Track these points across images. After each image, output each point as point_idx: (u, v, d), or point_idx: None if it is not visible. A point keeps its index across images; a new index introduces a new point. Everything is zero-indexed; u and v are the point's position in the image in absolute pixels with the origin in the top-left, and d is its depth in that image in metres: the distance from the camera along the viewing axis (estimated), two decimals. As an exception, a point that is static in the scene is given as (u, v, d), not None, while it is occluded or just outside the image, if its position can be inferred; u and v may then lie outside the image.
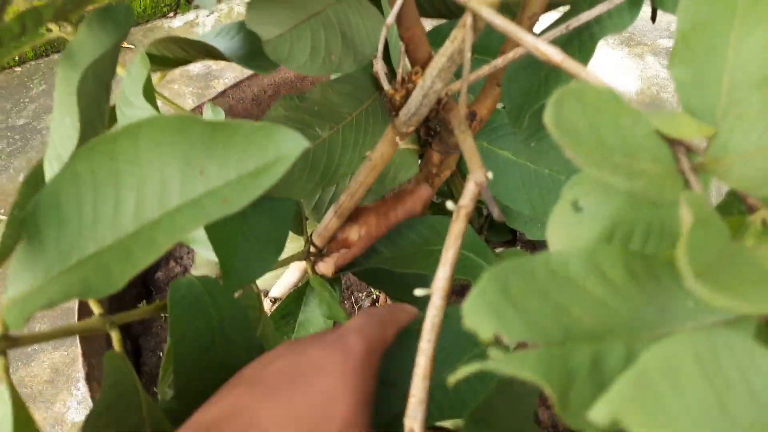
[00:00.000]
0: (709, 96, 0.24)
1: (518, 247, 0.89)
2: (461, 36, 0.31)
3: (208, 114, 0.70)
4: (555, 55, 0.25)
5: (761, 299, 0.16)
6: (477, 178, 0.29)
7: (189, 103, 1.46)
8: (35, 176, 0.37)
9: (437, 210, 0.61)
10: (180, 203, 0.24)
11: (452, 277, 0.25)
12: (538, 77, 0.42)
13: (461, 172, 0.53)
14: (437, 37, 0.50)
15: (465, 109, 0.33)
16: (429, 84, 0.34)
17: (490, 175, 0.29)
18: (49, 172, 0.35)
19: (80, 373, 0.98)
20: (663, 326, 0.20)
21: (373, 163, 0.40)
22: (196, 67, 1.55)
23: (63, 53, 0.33)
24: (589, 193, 0.23)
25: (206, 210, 0.23)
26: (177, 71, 1.52)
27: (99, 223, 0.25)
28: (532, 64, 0.43)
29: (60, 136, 0.32)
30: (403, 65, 0.37)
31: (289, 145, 0.23)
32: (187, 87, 1.51)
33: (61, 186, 0.25)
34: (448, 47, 0.32)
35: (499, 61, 0.33)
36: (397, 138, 0.38)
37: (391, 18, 0.33)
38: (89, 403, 0.97)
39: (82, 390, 0.99)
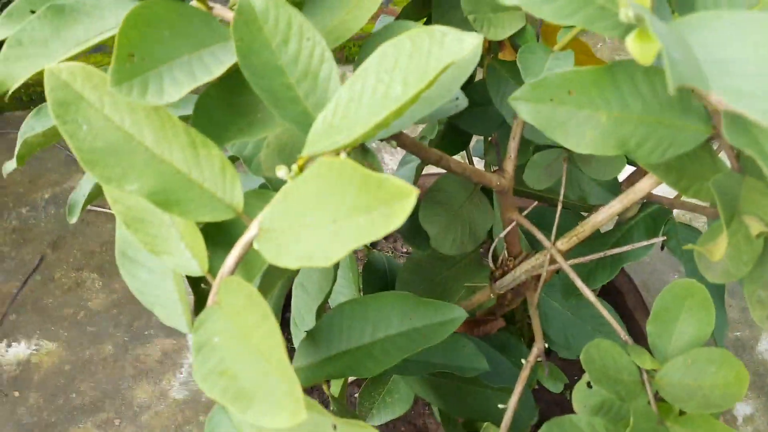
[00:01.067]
0: (663, 346, 0.48)
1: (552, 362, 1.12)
2: (539, 263, 0.56)
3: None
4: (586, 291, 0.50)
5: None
6: (539, 345, 0.54)
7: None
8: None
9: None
10: (396, 333, 0.49)
11: (516, 407, 0.50)
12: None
13: (524, 308, 0.77)
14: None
15: (536, 299, 0.57)
16: (518, 275, 0.59)
17: (546, 345, 0.54)
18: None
19: (186, 359, 1.24)
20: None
21: (472, 303, 0.65)
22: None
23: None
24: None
25: (412, 340, 0.48)
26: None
27: (351, 339, 0.50)
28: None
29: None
30: (503, 255, 0.62)
31: (454, 311, 0.48)
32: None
33: (332, 320, 0.50)
34: (532, 262, 0.57)
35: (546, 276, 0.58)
36: (492, 294, 0.63)
37: (497, 240, 0.58)
38: (189, 386, 1.23)
39: (185, 374, 1.25)
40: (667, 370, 0.47)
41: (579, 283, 0.54)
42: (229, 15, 0.39)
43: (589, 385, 0.48)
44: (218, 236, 0.37)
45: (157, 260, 0.39)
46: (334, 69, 0.37)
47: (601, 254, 0.58)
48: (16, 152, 0.49)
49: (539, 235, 0.54)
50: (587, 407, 0.47)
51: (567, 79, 0.33)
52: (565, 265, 0.53)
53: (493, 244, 0.59)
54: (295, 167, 0.34)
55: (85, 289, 1.38)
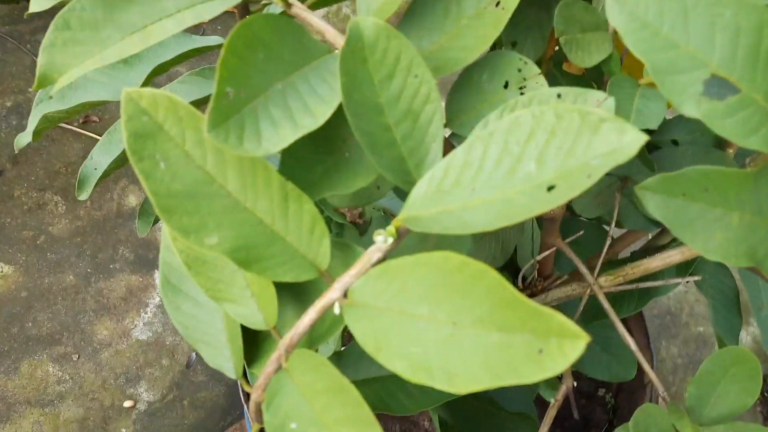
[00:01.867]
0: (701, 410, 0.46)
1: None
2: (576, 294, 0.54)
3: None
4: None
5: None
6: (568, 383, 0.52)
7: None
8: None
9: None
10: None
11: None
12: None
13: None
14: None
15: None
16: (549, 300, 0.57)
17: (574, 383, 0.52)
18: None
19: (152, 299, 1.20)
20: None
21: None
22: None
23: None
24: None
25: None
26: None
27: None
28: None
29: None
30: (533, 275, 0.59)
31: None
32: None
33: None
34: (568, 292, 0.55)
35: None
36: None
37: (532, 261, 0.55)
38: (154, 327, 1.19)
39: (149, 314, 1.21)
40: (705, 437, 0.46)
41: (612, 315, 0.52)
42: (309, 17, 0.34)
43: (623, 437, 0.47)
44: (286, 286, 0.33)
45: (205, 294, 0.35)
46: (439, 112, 0.32)
47: (633, 286, 0.56)
48: (33, 127, 0.43)
49: (582, 269, 0.52)
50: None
51: (705, 176, 0.30)
52: (606, 304, 0.51)
53: (527, 265, 0.57)
54: (391, 231, 0.30)
55: (47, 212, 1.30)
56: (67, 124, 1.41)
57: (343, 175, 0.32)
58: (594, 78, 0.55)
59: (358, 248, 0.32)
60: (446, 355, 0.25)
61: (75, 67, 0.32)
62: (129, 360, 1.16)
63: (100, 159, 0.51)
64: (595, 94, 0.32)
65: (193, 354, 1.18)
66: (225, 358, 0.34)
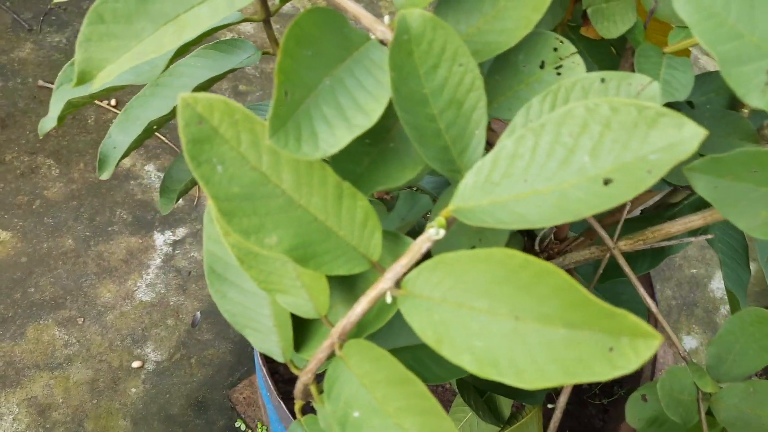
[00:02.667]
0: (720, 368, 0.48)
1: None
2: (594, 256, 0.55)
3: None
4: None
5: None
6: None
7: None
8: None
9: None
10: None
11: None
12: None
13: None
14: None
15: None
16: (567, 263, 0.58)
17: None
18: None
19: (153, 260, 1.20)
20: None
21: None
22: None
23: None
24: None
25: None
26: None
27: (412, 333, 0.48)
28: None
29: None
30: (550, 238, 0.60)
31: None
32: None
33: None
34: (587, 255, 0.56)
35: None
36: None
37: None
38: (157, 288, 1.20)
39: (152, 275, 1.21)
40: (724, 394, 0.47)
41: (633, 279, 0.53)
42: (344, 2, 0.33)
43: (643, 398, 0.48)
44: (336, 276, 0.33)
45: (251, 282, 0.35)
46: (482, 100, 0.32)
47: (649, 245, 0.57)
48: (58, 113, 0.43)
49: (602, 233, 0.52)
50: (641, 420, 0.48)
51: (754, 157, 0.30)
52: (627, 268, 0.52)
53: (545, 228, 0.57)
54: (440, 221, 0.30)
55: (41, 176, 1.29)
56: (51, 83, 1.38)
57: (391, 167, 0.32)
58: (612, 42, 0.55)
59: (406, 239, 0.32)
60: (511, 350, 0.26)
61: (112, 63, 0.32)
62: (134, 321, 1.17)
63: (118, 137, 0.50)
64: (639, 78, 0.32)
65: (198, 313, 1.19)
66: (273, 343, 0.35)
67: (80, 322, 1.16)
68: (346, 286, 0.34)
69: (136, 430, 1.08)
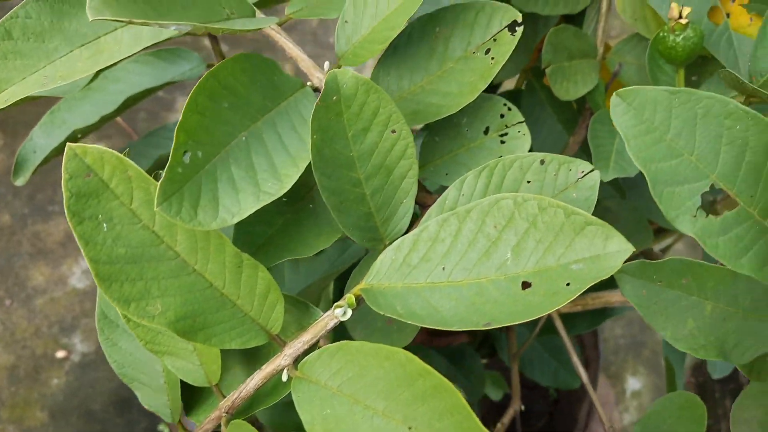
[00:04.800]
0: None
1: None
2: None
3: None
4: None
5: None
6: (515, 407, 0.52)
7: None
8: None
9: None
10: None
11: None
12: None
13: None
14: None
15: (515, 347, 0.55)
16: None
17: (522, 407, 0.52)
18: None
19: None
20: None
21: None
22: None
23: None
24: None
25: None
26: None
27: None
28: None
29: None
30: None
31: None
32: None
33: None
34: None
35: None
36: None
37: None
38: (92, 276, 1.15)
39: (88, 264, 1.16)
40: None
41: (562, 331, 0.52)
42: (283, 41, 0.31)
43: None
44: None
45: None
46: (414, 167, 0.30)
47: (588, 308, 0.56)
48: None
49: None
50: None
51: (689, 267, 0.28)
52: (563, 332, 0.51)
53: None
54: (351, 299, 0.28)
55: (-17, 145, 1.23)
56: None
57: (306, 232, 0.29)
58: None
59: (315, 310, 0.30)
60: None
61: (15, 84, 0.29)
62: (64, 309, 1.13)
63: (40, 141, 0.47)
64: (580, 165, 0.30)
65: (133, 306, 1.14)
66: (162, 403, 0.32)
67: (7, 304, 1.11)
68: (244, 355, 0.31)
69: (53, 423, 1.03)
